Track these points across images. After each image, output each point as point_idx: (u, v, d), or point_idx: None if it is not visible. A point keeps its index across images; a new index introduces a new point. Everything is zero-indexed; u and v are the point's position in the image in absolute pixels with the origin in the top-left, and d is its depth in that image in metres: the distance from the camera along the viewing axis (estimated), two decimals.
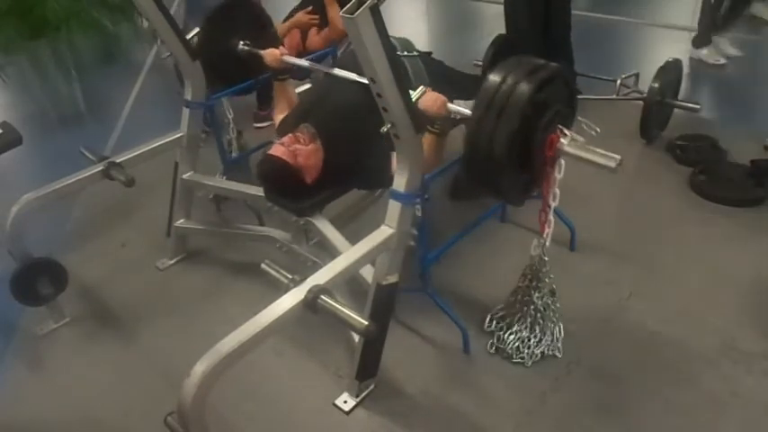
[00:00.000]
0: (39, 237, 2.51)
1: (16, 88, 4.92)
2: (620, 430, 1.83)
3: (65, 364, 2.24)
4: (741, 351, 2.03)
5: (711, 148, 3.12)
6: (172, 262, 2.68)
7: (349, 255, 1.71)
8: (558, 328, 2.07)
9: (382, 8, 1.43)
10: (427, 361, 2.10)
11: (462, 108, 1.80)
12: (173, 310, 2.42)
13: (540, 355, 2.03)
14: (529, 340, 2.04)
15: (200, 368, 1.37)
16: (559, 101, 1.70)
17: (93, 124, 4.31)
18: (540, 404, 1.91)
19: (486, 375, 2.02)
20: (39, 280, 2.28)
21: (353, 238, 1.86)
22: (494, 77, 1.62)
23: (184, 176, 2.53)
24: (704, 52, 4.12)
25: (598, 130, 1.76)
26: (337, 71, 2.21)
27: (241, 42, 2.50)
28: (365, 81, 1.66)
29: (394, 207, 1.76)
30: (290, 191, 2.09)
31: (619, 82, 3.25)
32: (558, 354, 2.05)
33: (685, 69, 3.31)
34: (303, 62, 2.39)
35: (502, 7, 3.44)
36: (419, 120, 1.67)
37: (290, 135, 2.03)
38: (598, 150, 1.61)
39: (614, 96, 3.27)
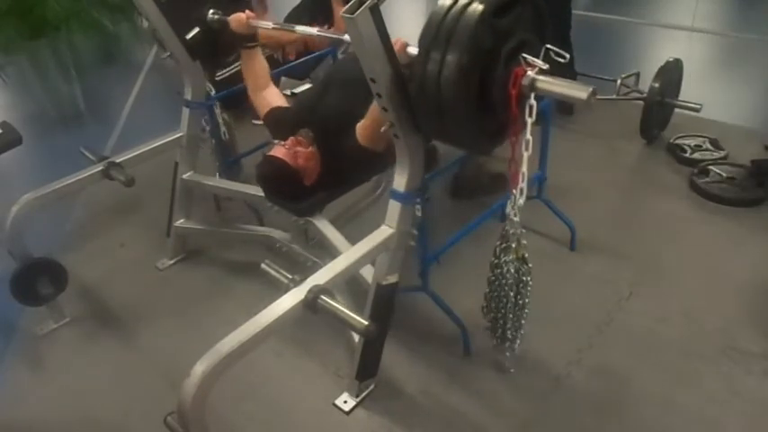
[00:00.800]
0: (39, 237, 2.51)
1: (16, 88, 4.91)
2: (620, 430, 1.83)
3: (65, 364, 2.24)
4: (741, 351, 2.03)
5: (712, 148, 3.12)
6: (172, 262, 2.68)
7: (349, 255, 1.71)
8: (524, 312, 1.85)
9: (382, 8, 1.43)
10: (427, 361, 2.10)
11: (414, 50, 1.54)
12: (173, 310, 2.42)
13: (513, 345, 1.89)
14: (499, 318, 1.85)
15: (200, 368, 1.37)
16: (526, 28, 1.47)
17: (93, 124, 4.31)
18: (540, 404, 1.91)
19: (486, 375, 2.02)
20: (39, 280, 2.27)
21: (353, 238, 1.86)
22: (442, 1, 1.38)
23: (184, 176, 2.53)
24: None
25: (567, 56, 1.45)
26: (300, 27, 2.04)
27: (211, 11, 2.30)
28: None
29: (394, 207, 1.76)
30: (289, 193, 2.08)
31: (619, 82, 3.25)
32: (511, 346, 1.89)
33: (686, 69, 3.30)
34: (269, 24, 2.20)
35: None
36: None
37: (291, 138, 2.03)
38: (567, 82, 1.40)
39: (614, 96, 3.27)
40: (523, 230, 1.73)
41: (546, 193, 2.54)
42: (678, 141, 3.17)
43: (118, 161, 2.29)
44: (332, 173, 2.06)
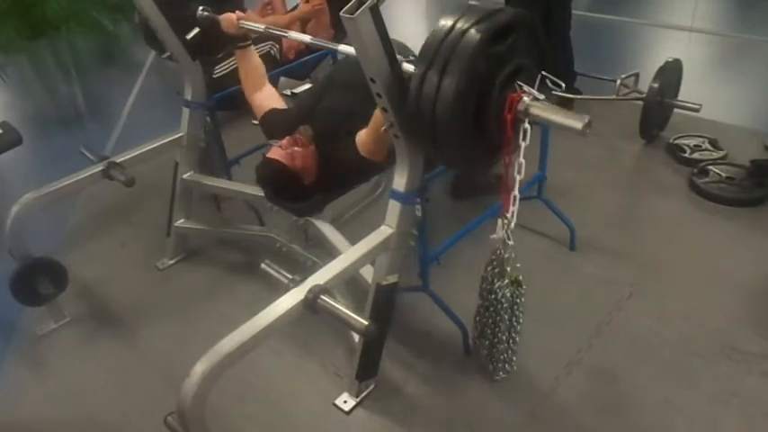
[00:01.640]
0: (39, 237, 2.50)
1: (16, 88, 4.92)
2: (620, 430, 1.83)
3: (65, 364, 2.24)
4: (741, 351, 2.03)
5: (711, 148, 3.12)
6: (172, 262, 2.68)
7: (349, 255, 1.71)
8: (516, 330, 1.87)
9: (382, 8, 1.43)
10: (427, 361, 2.10)
11: (408, 66, 1.58)
12: (173, 309, 2.42)
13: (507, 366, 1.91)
14: (496, 344, 1.87)
15: (200, 368, 1.37)
16: (522, 54, 1.50)
17: (93, 124, 4.31)
18: (541, 404, 1.91)
19: (486, 375, 2.01)
20: (39, 280, 2.27)
21: (353, 238, 1.86)
22: (441, 24, 1.42)
23: (184, 176, 2.53)
24: None
25: (563, 85, 1.54)
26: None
27: (200, 8, 2.29)
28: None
29: (394, 207, 1.76)
30: (289, 194, 2.08)
31: (619, 82, 3.24)
32: (508, 367, 1.93)
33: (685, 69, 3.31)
34: (259, 26, 2.18)
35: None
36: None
37: (287, 138, 2.02)
38: (563, 110, 1.44)
39: (614, 96, 3.27)
40: (513, 255, 1.73)
41: (546, 193, 2.54)
42: (678, 141, 3.17)
43: (118, 161, 2.29)
44: (331, 173, 2.06)
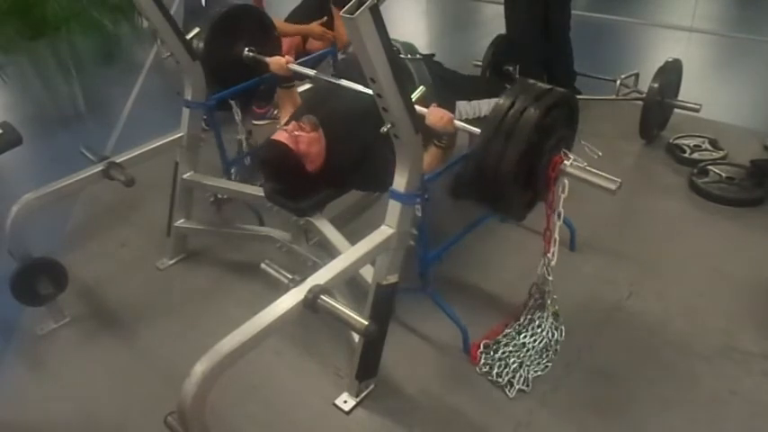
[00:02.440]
0: (39, 237, 2.50)
1: (16, 88, 4.93)
2: (620, 430, 1.83)
3: (65, 364, 2.24)
4: (741, 351, 2.04)
5: (711, 148, 3.12)
6: (172, 262, 2.68)
7: (349, 255, 1.71)
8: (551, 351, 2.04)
9: (382, 8, 1.43)
10: (427, 361, 2.10)
11: (469, 127, 1.87)
12: (173, 310, 2.42)
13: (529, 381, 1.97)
14: (523, 365, 2.00)
15: (200, 368, 1.37)
16: (563, 124, 1.78)
17: (93, 124, 4.31)
18: (541, 404, 1.91)
19: (487, 375, 2.02)
20: (39, 280, 2.27)
21: (353, 238, 1.86)
22: (503, 101, 1.71)
23: (184, 176, 2.53)
24: None
25: (600, 153, 1.88)
26: (344, 82, 2.20)
27: (246, 48, 2.51)
28: (368, 91, 1.69)
29: (394, 207, 1.76)
30: (290, 179, 2.08)
31: (619, 82, 3.25)
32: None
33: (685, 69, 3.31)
34: (309, 71, 2.40)
35: (502, 7, 3.45)
36: (418, 120, 1.67)
37: (293, 123, 2.04)
38: (599, 173, 1.72)
39: (614, 96, 3.27)
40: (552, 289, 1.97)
41: None
42: (677, 141, 3.17)
43: (118, 161, 2.29)
44: (334, 166, 2.06)
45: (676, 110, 3.29)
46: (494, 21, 4.59)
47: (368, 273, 1.88)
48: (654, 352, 2.06)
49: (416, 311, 2.21)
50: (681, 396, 1.90)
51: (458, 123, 1.90)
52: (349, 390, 1.98)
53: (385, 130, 1.67)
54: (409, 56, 2.32)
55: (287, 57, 2.37)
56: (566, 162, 1.75)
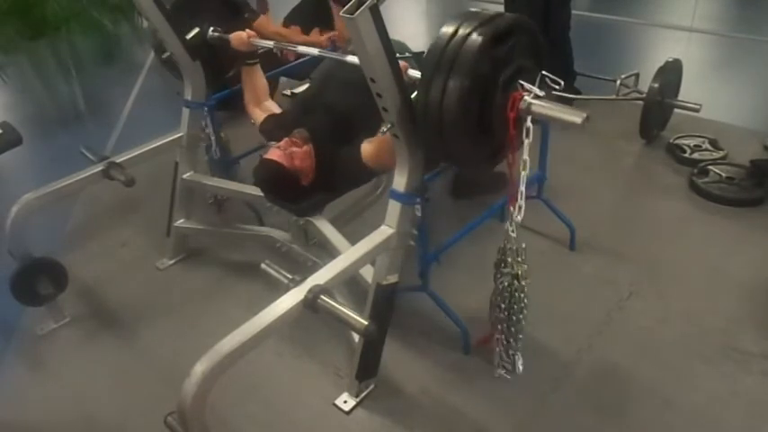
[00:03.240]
0: (39, 236, 2.50)
1: (16, 88, 4.93)
2: (620, 430, 1.83)
3: (65, 364, 2.24)
4: (741, 351, 2.03)
5: (711, 148, 3.12)
6: (172, 262, 2.68)
7: (349, 255, 1.70)
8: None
9: (382, 8, 1.43)
10: (427, 361, 2.10)
11: (411, 71, 1.67)
12: (173, 310, 2.42)
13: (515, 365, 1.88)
14: (507, 341, 1.85)
15: (200, 368, 1.37)
16: (522, 55, 1.55)
17: (93, 124, 4.31)
18: (540, 404, 1.91)
19: (486, 375, 2.01)
20: (39, 280, 2.27)
21: (353, 238, 1.86)
22: (444, 31, 1.48)
23: (184, 176, 2.53)
24: None
25: (562, 83, 1.58)
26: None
27: (211, 29, 2.37)
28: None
29: (394, 207, 1.76)
30: (288, 194, 2.08)
31: (619, 82, 3.25)
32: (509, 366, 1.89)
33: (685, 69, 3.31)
34: (269, 43, 2.29)
35: (502, 7, 3.45)
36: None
37: (285, 139, 2.03)
38: (563, 107, 1.49)
39: (614, 96, 3.27)
40: (524, 246, 1.75)
41: (546, 192, 2.54)
42: (678, 141, 3.17)
43: (118, 161, 2.29)
44: (330, 173, 2.06)
45: (676, 110, 3.28)
46: None
47: (368, 273, 1.88)
48: (654, 352, 2.06)
49: (416, 311, 2.21)
50: (681, 396, 1.90)
51: (411, 72, 1.67)
52: (349, 390, 1.98)
53: (385, 130, 1.67)
54: (398, 54, 2.30)
55: (248, 31, 2.26)
56: (525, 98, 1.48)
